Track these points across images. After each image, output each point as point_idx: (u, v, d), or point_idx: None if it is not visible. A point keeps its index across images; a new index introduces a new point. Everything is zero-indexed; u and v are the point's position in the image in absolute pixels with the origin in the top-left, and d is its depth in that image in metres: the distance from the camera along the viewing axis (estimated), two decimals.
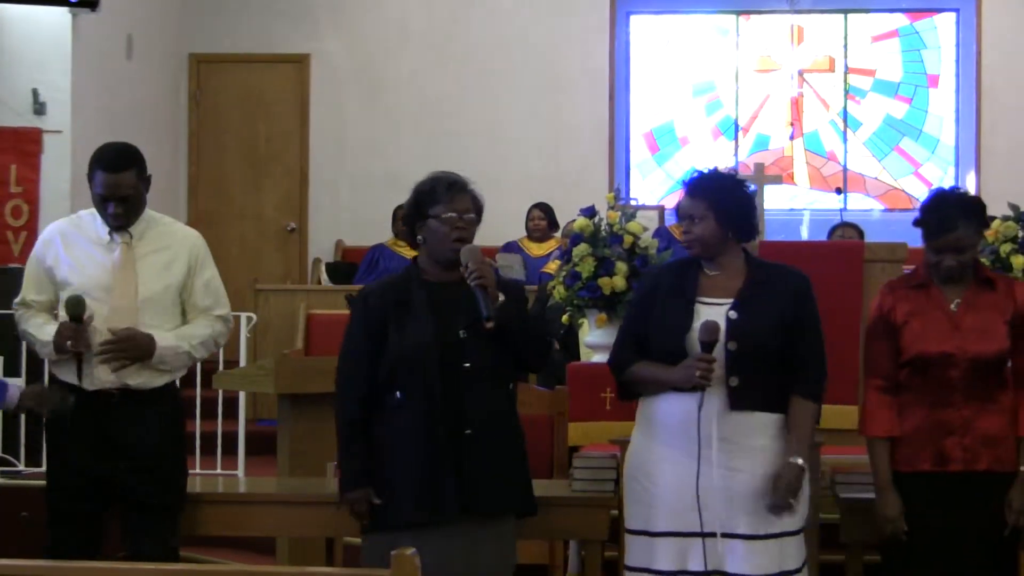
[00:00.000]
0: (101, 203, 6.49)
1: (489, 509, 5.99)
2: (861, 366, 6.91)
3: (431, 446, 5.91)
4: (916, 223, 6.14)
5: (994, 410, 6.05)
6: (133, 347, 6.31)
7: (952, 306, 6.10)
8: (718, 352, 5.66)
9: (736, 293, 5.84)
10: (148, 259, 6.53)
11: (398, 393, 5.95)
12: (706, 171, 6.07)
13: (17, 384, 6.75)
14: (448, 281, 6.07)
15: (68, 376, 6.47)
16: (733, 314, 5.77)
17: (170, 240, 6.65)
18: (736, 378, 5.71)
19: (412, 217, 6.13)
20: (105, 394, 6.42)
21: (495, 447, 6.04)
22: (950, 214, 6.03)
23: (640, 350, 5.93)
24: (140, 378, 6.44)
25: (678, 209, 6.04)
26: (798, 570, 5.79)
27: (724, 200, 5.89)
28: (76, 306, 6.27)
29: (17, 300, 6.66)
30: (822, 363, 5.92)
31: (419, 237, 6.11)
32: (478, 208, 6.24)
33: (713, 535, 5.67)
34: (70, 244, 6.59)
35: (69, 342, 6.22)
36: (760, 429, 5.76)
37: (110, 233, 6.52)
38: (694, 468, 5.66)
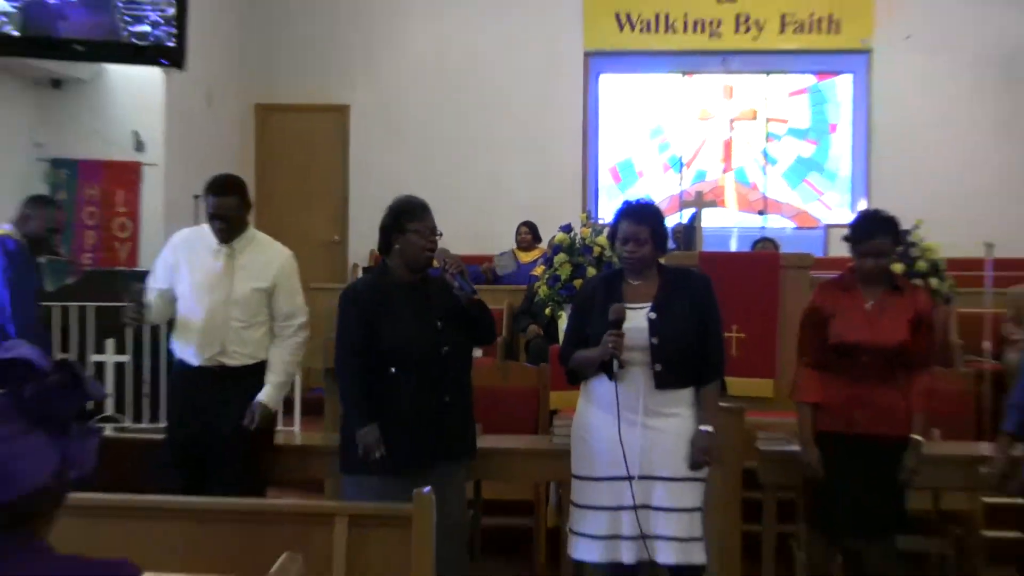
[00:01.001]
0: (210, 220, 6.62)
1: (456, 454, 6.23)
2: (780, 347, 6.96)
3: (422, 411, 6.05)
4: (845, 238, 6.33)
5: (894, 388, 6.16)
6: (264, 420, 6.58)
7: (868, 305, 6.23)
8: (637, 340, 5.78)
9: (652, 297, 5.92)
10: (244, 268, 6.65)
11: (392, 369, 6.04)
12: (642, 201, 6.16)
13: None
14: (415, 282, 6.21)
15: (181, 355, 6.69)
16: (653, 315, 5.85)
17: (264, 255, 6.75)
18: (660, 365, 5.80)
19: (390, 229, 6.19)
20: (208, 369, 6.58)
21: (463, 409, 6.25)
22: (872, 227, 6.25)
23: (583, 347, 5.99)
24: (234, 360, 6.61)
25: (618, 231, 6.02)
26: (701, 508, 5.90)
27: (659, 225, 6.00)
28: (136, 293, 6.51)
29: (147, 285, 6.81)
30: (722, 349, 6.07)
31: (396, 246, 6.17)
32: None
33: (639, 478, 5.78)
34: (191, 249, 6.73)
35: (128, 318, 6.54)
36: (676, 401, 5.87)
37: (219, 244, 6.63)
38: (616, 426, 5.76)
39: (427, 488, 4.76)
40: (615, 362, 5.71)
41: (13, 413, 2.66)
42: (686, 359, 5.88)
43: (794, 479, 6.50)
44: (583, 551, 5.99)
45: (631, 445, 5.75)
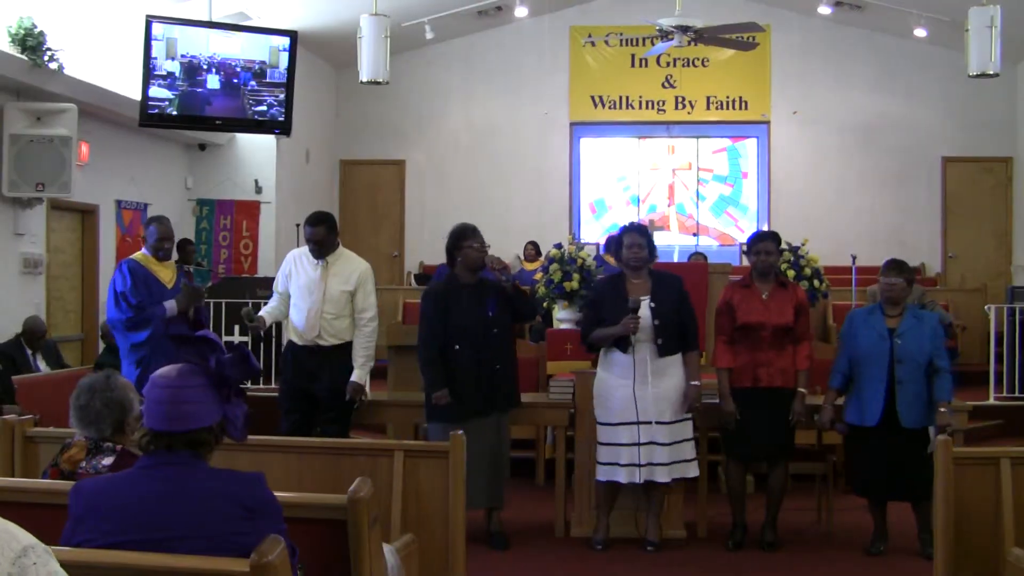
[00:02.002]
0: (307, 242, 6.66)
1: (504, 409, 6.30)
2: (707, 329, 6.94)
3: (478, 376, 6.17)
4: (744, 250, 6.47)
5: (785, 354, 6.22)
6: (359, 394, 6.58)
7: (763, 296, 6.29)
8: (647, 324, 6.02)
9: (649, 291, 6.12)
10: (335, 276, 6.62)
11: (457, 346, 6.16)
12: (638, 222, 6.62)
13: (172, 302, 6.73)
14: (472, 282, 6.29)
15: (291, 336, 6.71)
16: (652, 304, 6.07)
17: (349, 266, 6.70)
18: (661, 339, 6.06)
19: (452, 246, 6.33)
20: (308, 347, 6.59)
21: (507, 374, 6.29)
22: (760, 236, 6.44)
23: (598, 327, 6.16)
24: (326, 341, 6.59)
25: (624, 241, 6.23)
26: (695, 437, 6.28)
27: (650, 238, 6.27)
28: (247, 315, 6.63)
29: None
30: (696, 327, 6.26)
31: (458, 258, 6.29)
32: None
33: (646, 423, 6.04)
34: (298, 263, 6.75)
35: (252, 327, 6.67)
36: (672, 364, 6.11)
37: (316, 259, 6.64)
38: (634, 386, 6.03)
39: (461, 431, 4.74)
40: (631, 337, 6.01)
41: (202, 375, 2.89)
42: (676, 334, 6.11)
43: (719, 423, 6.41)
44: (609, 474, 6.19)
45: (644, 399, 6.02)
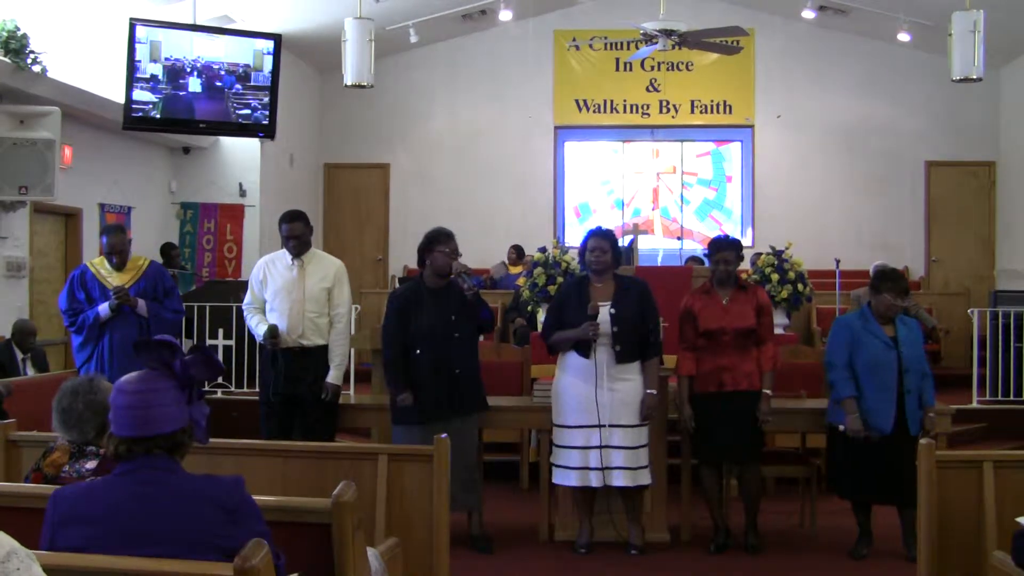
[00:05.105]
0: (285, 241, 6.72)
1: (466, 410, 6.27)
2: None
3: (437, 380, 6.19)
4: (705, 254, 6.56)
5: (748, 357, 6.29)
6: (335, 396, 6.69)
7: (724, 301, 6.36)
8: (603, 328, 6.06)
9: (611, 296, 6.17)
10: (312, 275, 6.70)
11: (418, 350, 6.20)
12: (603, 228, 6.43)
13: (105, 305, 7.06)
14: (439, 287, 6.32)
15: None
16: (612, 310, 6.13)
17: (325, 265, 6.81)
18: (619, 346, 6.10)
19: (424, 250, 6.35)
20: (292, 349, 6.62)
21: (468, 378, 6.30)
22: (720, 245, 6.45)
23: (560, 329, 6.23)
24: (310, 340, 6.65)
25: (588, 245, 6.29)
26: (647, 444, 6.20)
27: (615, 243, 6.31)
28: (273, 334, 6.57)
29: (245, 302, 6.88)
30: (659, 333, 6.28)
31: (427, 261, 6.33)
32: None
33: (604, 426, 6.08)
34: (271, 267, 6.79)
35: (270, 344, 6.56)
36: (630, 370, 6.14)
37: (292, 259, 6.68)
38: (592, 389, 6.08)
39: (444, 435, 4.79)
40: (593, 345, 6.06)
41: (167, 379, 2.85)
42: (635, 341, 6.13)
43: (680, 427, 6.53)
44: (562, 478, 6.24)
45: (600, 402, 6.06)
